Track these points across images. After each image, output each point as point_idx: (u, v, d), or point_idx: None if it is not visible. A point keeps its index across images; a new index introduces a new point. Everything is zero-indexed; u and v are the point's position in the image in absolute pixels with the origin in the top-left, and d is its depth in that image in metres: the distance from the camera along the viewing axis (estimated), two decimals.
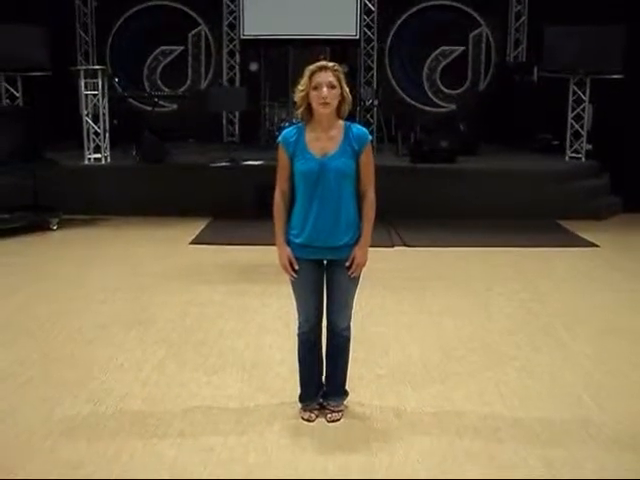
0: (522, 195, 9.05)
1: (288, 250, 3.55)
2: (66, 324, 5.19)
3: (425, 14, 12.36)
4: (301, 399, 3.80)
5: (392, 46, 12.51)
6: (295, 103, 3.49)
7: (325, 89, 3.38)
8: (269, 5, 11.62)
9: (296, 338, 3.74)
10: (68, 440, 3.50)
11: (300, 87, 3.45)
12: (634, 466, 3.33)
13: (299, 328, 3.71)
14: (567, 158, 10.10)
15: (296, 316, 3.71)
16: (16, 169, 8.17)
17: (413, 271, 6.77)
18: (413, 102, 12.55)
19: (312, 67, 3.44)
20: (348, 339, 3.73)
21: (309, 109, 3.46)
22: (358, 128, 3.53)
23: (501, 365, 4.51)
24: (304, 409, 3.77)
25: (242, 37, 11.98)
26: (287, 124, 10.17)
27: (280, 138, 3.55)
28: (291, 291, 3.67)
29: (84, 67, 10.44)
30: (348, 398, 3.85)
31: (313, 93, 3.40)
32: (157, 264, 6.87)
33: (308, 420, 3.71)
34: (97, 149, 9.49)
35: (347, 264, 3.54)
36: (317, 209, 3.46)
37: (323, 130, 3.48)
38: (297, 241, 3.54)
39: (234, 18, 12.00)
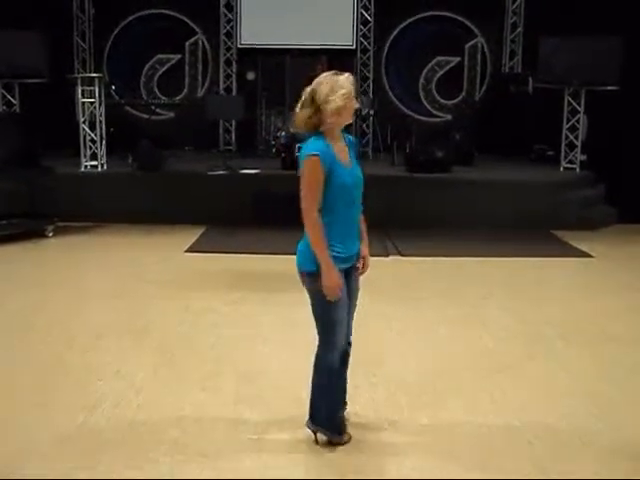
0: (517, 205, 9.07)
1: (336, 270, 3.31)
2: (61, 331, 5.19)
3: (421, 25, 12.42)
4: (340, 431, 3.58)
5: (388, 56, 12.56)
6: (298, 111, 3.35)
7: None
8: (266, 14, 11.67)
9: (319, 366, 3.50)
10: (63, 447, 3.50)
11: (344, 93, 3.28)
12: (631, 475, 3.34)
13: (330, 361, 3.46)
14: (562, 168, 10.14)
15: (317, 344, 3.47)
16: (12, 176, 8.17)
17: (408, 280, 6.79)
18: (409, 112, 12.57)
19: (349, 82, 3.32)
20: (349, 354, 3.67)
21: (320, 120, 3.33)
22: (348, 136, 3.55)
23: (496, 374, 4.52)
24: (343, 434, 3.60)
25: (239, 46, 12.05)
26: (284, 134, 10.25)
27: (317, 152, 3.26)
28: (322, 316, 3.39)
29: (81, 75, 10.47)
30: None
31: (350, 104, 3.32)
32: (153, 272, 6.87)
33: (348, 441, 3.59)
34: (94, 156, 9.50)
35: (358, 265, 3.53)
36: (352, 219, 3.44)
37: (337, 141, 3.40)
38: (342, 256, 3.37)
39: (231, 27, 12.06)
